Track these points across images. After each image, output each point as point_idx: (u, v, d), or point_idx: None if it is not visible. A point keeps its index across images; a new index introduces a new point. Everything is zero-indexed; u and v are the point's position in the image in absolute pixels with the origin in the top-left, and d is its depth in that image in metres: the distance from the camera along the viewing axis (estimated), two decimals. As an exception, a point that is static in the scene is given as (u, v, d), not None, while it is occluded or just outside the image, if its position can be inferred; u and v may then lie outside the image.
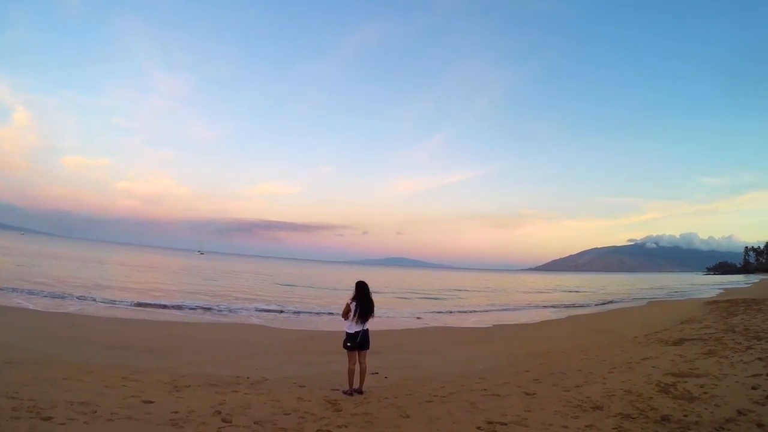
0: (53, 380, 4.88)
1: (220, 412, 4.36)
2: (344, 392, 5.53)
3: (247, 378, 6.38)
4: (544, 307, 26.73)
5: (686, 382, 5.37)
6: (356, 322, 5.59)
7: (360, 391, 5.59)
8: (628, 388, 5.27)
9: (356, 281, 5.87)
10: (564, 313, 22.22)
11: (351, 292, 5.88)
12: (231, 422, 4.08)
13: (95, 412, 4.00)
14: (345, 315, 5.69)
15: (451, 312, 22.61)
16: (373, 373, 7.27)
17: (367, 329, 5.75)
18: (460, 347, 11.09)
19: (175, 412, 4.22)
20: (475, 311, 23.28)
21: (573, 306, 27.20)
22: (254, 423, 4.09)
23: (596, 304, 28.40)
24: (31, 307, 13.00)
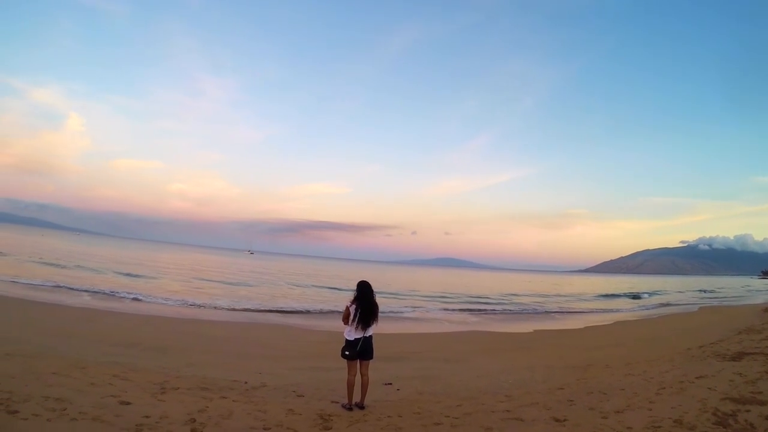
0: (41, 374, 4.95)
1: (194, 420, 4.15)
2: (343, 406, 5.12)
3: (245, 383, 6.21)
4: (591, 311, 26.61)
5: (748, 411, 4.48)
6: (357, 328, 5.09)
7: (361, 406, 5.14)
8: (679, 416, 4.45)
9: (358, 281, 5.36)
10: (611, 318, 21.71)
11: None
12: (200, 433, 3.76)
13: (65, 409, 3.97)
14: (345, 320, 5.20)
15: (494, 312, 23.31)
16: (385, 384, 6.87)
17: (370, 336, 5.26)
18: (493, 355, 10.47)
19: (147, 417, 4.07)
20: (518, 313, 23.64)
21: (621, 310, 26.93)
22: (224, 437, 3.75)
23: (646, 309, 28.04)
24: (57, 302, 14.09)
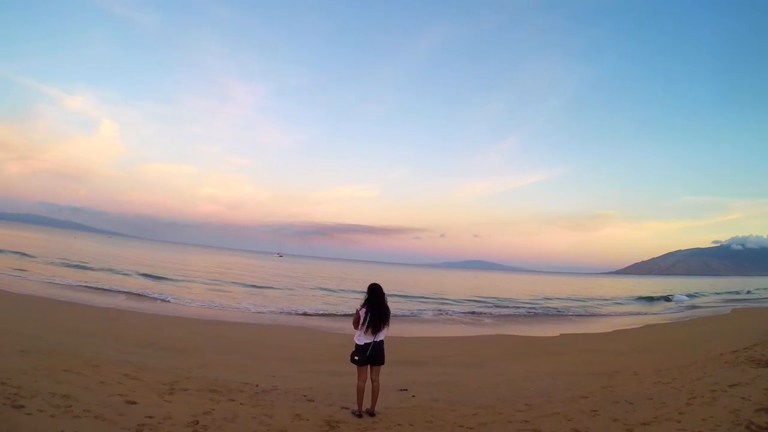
0: (52, 371, 5.05)
1: (197, 423, 4.10)
2: (353, 413, 4.96)
3: (256, 386, 6.17)
4: (620, 314, 26.31)
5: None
6: (367, 333, 4.94)
7: (371, 413, 4.99)
8: (710, 430, 4.07)
9: (369, 284, 5.22)
10: (641, 321, 21.38)
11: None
12: (201, 436, 3.69)
13: (70, 406, 4.02)
14: (356, 323, 5.07)
15: (521, 315, 23.39)
16: (400, 390, 6.70)
17: (381, 341, 5.10)
18: (516, 360, 10.12)
19: (150, 417, 4.06)
20: (545, 316, 23.76)
21: (652, 313, 26.72)
22: (225, 441, 3.67)
23: (677, 311, 27.73)
24: (82, 301, 14.74)
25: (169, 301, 18.08)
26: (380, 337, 5.07)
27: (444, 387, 7.02)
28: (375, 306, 5.04)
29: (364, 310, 5.04)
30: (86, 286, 19.35)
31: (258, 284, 31.13)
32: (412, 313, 21.83)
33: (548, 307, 28.07)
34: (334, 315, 18.87)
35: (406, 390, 6.71)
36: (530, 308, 27.03)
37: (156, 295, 19.12)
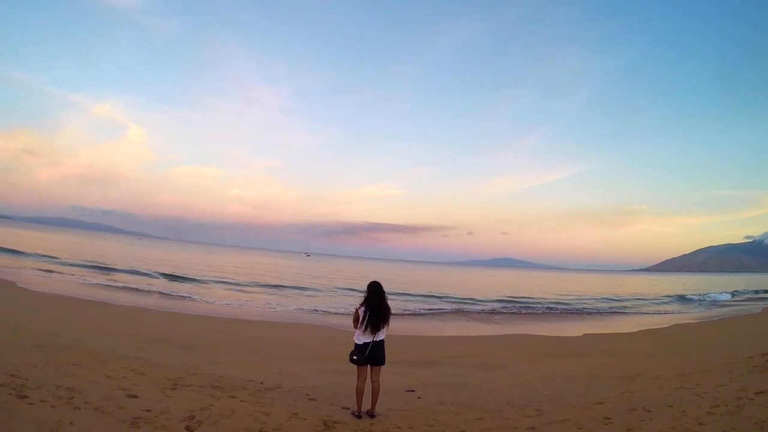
0: (62, 365, 5.30)
1: (193, 418, 4.21)
2: (353, 414, 4.95)
3: (261, 383, 6.29)
4: (647, 313, 26.24)
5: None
6: (366, 332, 4.92)
7: (371, 414, 4.98)
8: None
9: (369, 282, 5.19)
10: (669, 320, 21.07)
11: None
12: (193, 431, 3.77)
13: (72, 398, 4.21)
14: (355, 322, 5.06)
15: (545, 314, 23.55)
16: (407, 391, 6.66)
17: (382, 340, 5.08)
18: (535, 362, 9.89)
19: (148, 411, 4.21)
20: (570, 315, 23.79)
21: (680, 312, 26.51)
22: (217, 436, 3.73)
23: (707, 310, 27.52)
24: (105, 300, 15.46)
25: (192, 299, 18.86)
26: (380, 336, 5.04)
27: (453, 389, 6.93)
28: (374, 304, 5.01)
29: (363, 308, 5.02)
30: (110, 286, 20.31)
31: (283, 283, 31.83)
32: (430, 312, 22.16)
33: (574, 306, 27.91)
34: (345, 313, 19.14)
35: (413, 391, 6.67)
36: (555, 307, 26.82)
37: (178, 294, 20.04)
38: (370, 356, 4.96)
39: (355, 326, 5.09)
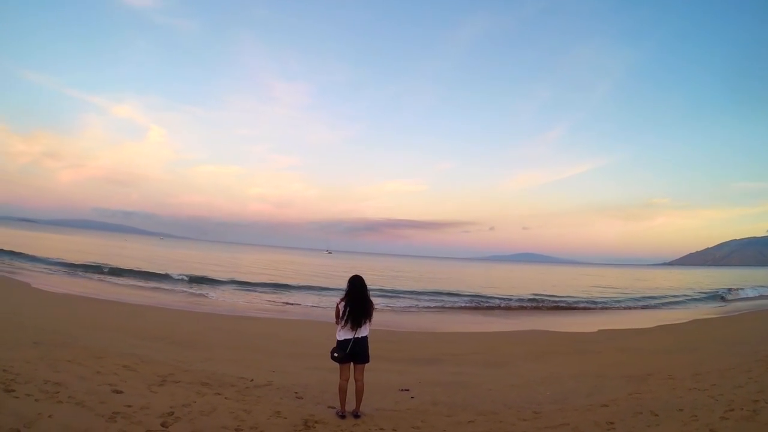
0: (55, 361, 5.54)
1: (171, 414, 4.37)
2: (337, 414, 4.95)
3: (251, 380, 6.43)
4: (666, 307, 26.55)
5: None
6: (345, 327, 4.93)
7: (356, 414, 5.02)
8: None
9: (350, 276, 5.18)
10: (688, 315, 21.04)
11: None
12: (168, 427, 3.95)
13: (57, 393, 4.43)
14: (337, 318, 5.07)
15: (560, 309, 23.96)
16: (401, 390, 6.67)
17: (364, 337, 5.06)
18: (543, 360, 9.78)
19: (128, 406, 4.38)
20: (586, 310, 24.09)
21: (700, 307, 26.67)
22: (190, 432, 3.84)
23: (728, 304, 27.63)
24: (114, 299, 16.09)
25: (203, 297, 19.64)
26: (362, 333, 5.04)
27: (451, 388, 6.89)
28: (355, 299, 5.02)
29: (343, 303, 5.03)
30: (123, 285, 21.08)
31: (299, 281, 32.44)
32: (441, 307, 22.60)
33: (592, 301, 28.57)
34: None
35: (408, 390, 6.66)
36: (573, 302, 26.98)
37: (189, 292, 20.89)
38: (351, 353, 4.97)
39: (337, 322, 5.10)
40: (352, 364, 5.06)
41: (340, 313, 5.03)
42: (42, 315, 10.13)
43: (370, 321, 5.13)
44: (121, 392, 4.82)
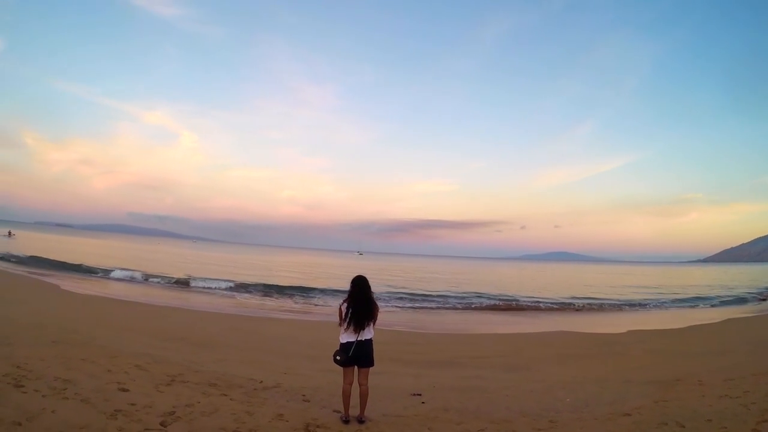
0: (69, 359, 5.75)
1: (173, 413, 4.43)
2: (342, 418, 4.88)
3: (260, 382, 6.50)
4: (699, 306, 26.19)
5: None
6: (348, 330, 4.85)
7: (360, 419, 4.94)
8: None
9: (353, 277, 5.11)
10: (722, 314, 20.41)
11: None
12: (167, 426, 4.00)
13: (65, 389, 4.59)
14: (340, 320, 5.00)
15: (589, 308, 23.64)
16: (413, 394, 6.51)
17: (368, 340, 4.96)
18: (567, 363, 9.39)
19: (132, 405, 4.50)
20: (616, 310, 23.76)
21: (735, 306, 26.09)
22: (186, 433, 3.87)
23: (763, 302, 27.40)
24: (140, 300, 16.76)
25: (232, 298, 20.39)
26: (366, 335, 4.95)
27: (465, 393, 6.68)
28: (357, 300, 4.93)
29: (345, 305, 4.96)
30: (151, 286, 21.87)
31: (326, 282, 32.73)
32: (467, 308, 22.46)
33: (624, 300, 27.75)
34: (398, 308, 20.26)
35: (420, 395, 6.50)
36: (604, 301, 26.56)
37: (216, 293, 21.64)
38: (354, 356, 4.88)
39: (340, 324, 5.03)
40: (356, 367, 4.99)
41: (343, 314, 4.97)
42: (65, 316, 10.66)
43: (374, 323, 5.05)
44: (127, 390, 4.95)
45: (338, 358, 4.94)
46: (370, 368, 5.03)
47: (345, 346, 4.92)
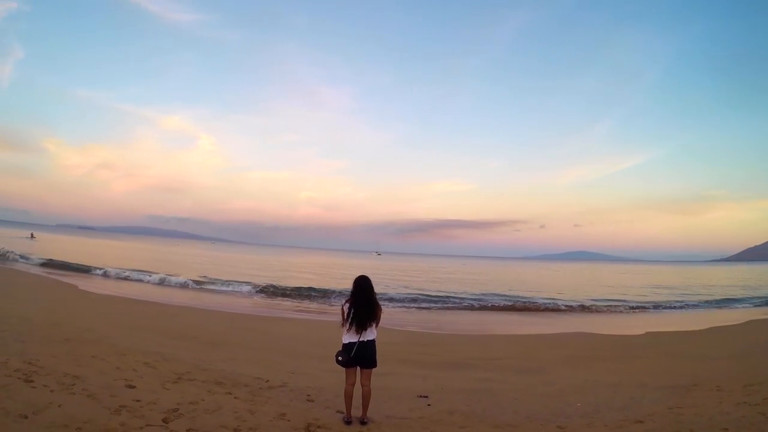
0: (80, 356, 5.93)
1: (176, 410, 4.51)
2: (344, 419, 4.87)
3: (267, 381, 6.57)
4: (722, 307, 25.67)
5: None
6: (350, 330, 4.85)
7: (362, 421, 4.94)
8: None
9: (356, 276, 5.09)
10: (745, 315, 20.03)
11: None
12: (168, 423, 4.03)
13: (73, 385, 4.72)
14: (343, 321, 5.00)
15: (607, 310, 23.28)
16: (419, 396, 6.46)
17: (371, 340, 4.96)
18: (581, 365, 9.17)
19: (137, 401, 4.58)
20: (635, 311, 23.47)
21: (759, 306, 25.53)
22: (187, 431, 3.90)
23: None
24: (154, 300, 17.10)
25: (249, 298, 20.84)
26: (368, 336, 4.94)
27: (473, 396, 6.58)
28: (359, 301, 4.92)
29: (348, 305, 4.95)
30: (167, 287, 22.34)
31: (347, 283, 32.85)
32: (483, 308, 22.33)
33: (644, 300, 27.32)
34: (415, 307, 20.57)
35: (426, 397, 6.45)
36: (622, 302, 26.06)
37: (231, 292, 22.09)
38: (356, 357, 4.88)
39: (342, 324, 5.02)
40: (358, 368, 4.98)
41: (345, 315, 4.96)
42: (81, 314, 11.00)
43: (377, 324, 5.04)
44: (134, 387, 5.06)
45: (340, 358, 4.94)
46: (374, 369, 5.02)
47: (347, 347, 4.92)
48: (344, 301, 5.06)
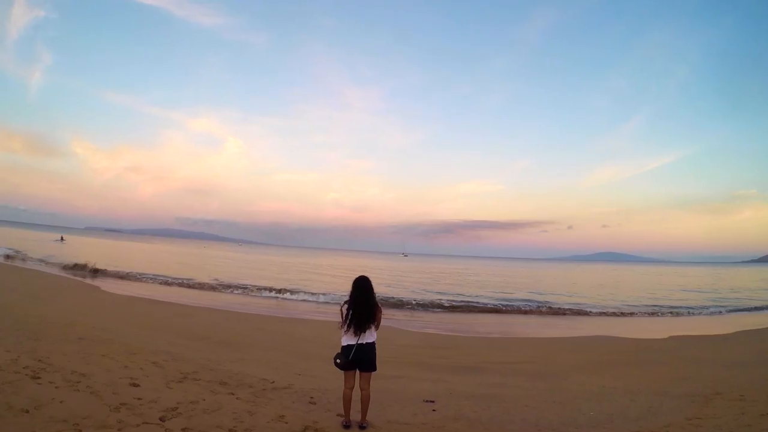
0: (90, 355, 6.15)
1: (176, 409, 4.60)
2: (343, 423, 4.84)
3: (272, 382, 6.62)
4: (750, 309, 25.31)
5: None
6: (348, 332, 4.81)
7: (362, 425, 4.89)
8: None
9: (355, 278, 5.04)
10: None
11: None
12: (165, 421, 4.10)
13: (78, 382, 4.90)
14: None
15: (632, 313, 22.74)
16: (425, 401, 6.35)
17: (370, 343, 4.89)
18: (600, 371, 8.84)
19: (138, 399, 4.71)
20: (660, 314, 22.97)
21: None
22: (182, 430, 3.94)
23: None
24: (170, 300, 17.58)
25: (278, 299, 21.41)
26: (367, 338, 4.87)
27: (483, 402, 6.41)
28: (358, 302, 4.87)
29: (346, 306, 4.90)
30: (189, 288, 22.96)
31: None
32: (504, 310, 22.11)
33: (669, 303, 26.98)
34: (434, 308, 20.60)
35: (432, 402, 6.33)
36: (648, 304, 25.75)
37: (252, 294, 22.45)
38: (355, 360, 4.82)
39: (341, 327, 4.97)
40: (357, 371, 4.93)
41: (343, 316, 4.92)
42: (97, 314, 11.46)
43: (377, 326, 4.97)
44: (138, 386, 5.19)
45: (338, 361, 4.90)
46: (381, 372, 4.95)
47: (345, 349, 4.88)
48: (343, 303, 5.02)
